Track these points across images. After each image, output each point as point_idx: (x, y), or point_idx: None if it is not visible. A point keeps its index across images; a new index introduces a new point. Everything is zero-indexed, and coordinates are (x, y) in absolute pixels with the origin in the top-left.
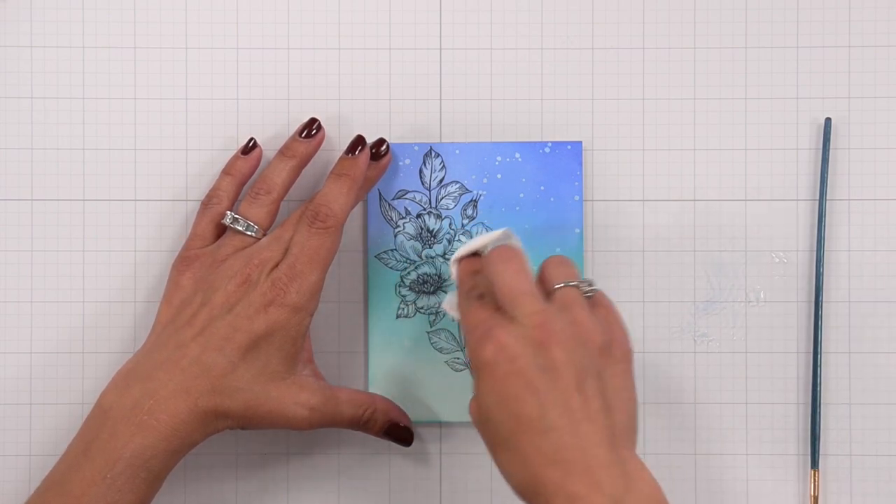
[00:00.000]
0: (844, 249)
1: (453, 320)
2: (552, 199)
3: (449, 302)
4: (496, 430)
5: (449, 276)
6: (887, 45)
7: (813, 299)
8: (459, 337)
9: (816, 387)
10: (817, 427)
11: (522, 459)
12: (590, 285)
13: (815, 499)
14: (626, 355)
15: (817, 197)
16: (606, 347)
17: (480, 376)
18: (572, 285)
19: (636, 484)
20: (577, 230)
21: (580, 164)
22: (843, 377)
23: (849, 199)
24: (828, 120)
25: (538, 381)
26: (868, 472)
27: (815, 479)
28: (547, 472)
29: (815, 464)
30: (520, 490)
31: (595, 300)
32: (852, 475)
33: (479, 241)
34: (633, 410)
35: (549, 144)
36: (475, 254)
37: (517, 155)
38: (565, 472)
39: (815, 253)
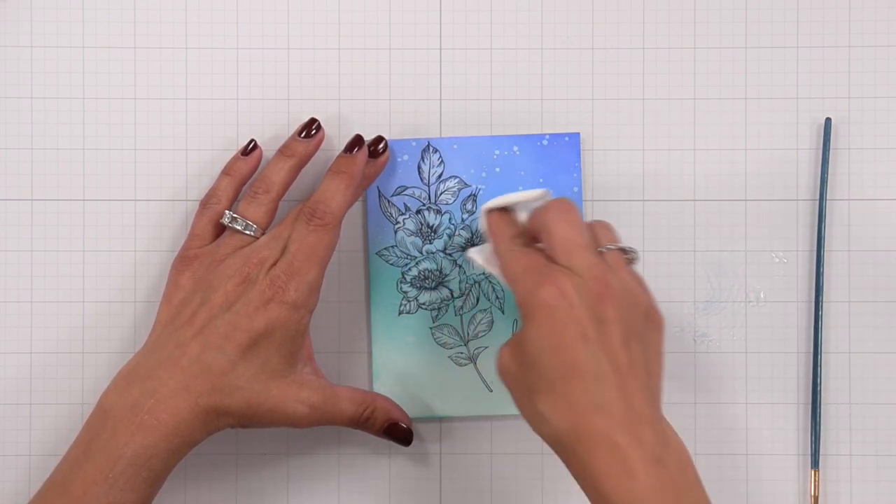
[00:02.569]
0: (844, 249)
1: (479, 270)
2: (551, 192)
3: (480, 252)
4: (541, 375)
5: (450, 272)
6: (887, 45)
7: (813, 299)
8: (463, 332)
9: (816, 387)
10: (817, 427)
11: (569, 405)
12: (633, 251)
13: (815, 499)
14: (662, 325)
15: (817, 197)
16: (649, 313)
17: (534, 319)
18: (618, 249)
19: (672, 443)
20: None
21: (578, 155)
22: (843, 377)
23: (849, 199)
24: (828, 120)
25: (593, 331)
26: (868, 472)
27: (815, 479)
28: (593, 420)
29: (815, 464)
30: (558, 435)
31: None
32: (852, 475)
33: (517, 196)
34: (663, 377)
35: (547, 137)
36: (504, 209)
37: (515, 148)
38: (611, 421)
39: (815, 253)
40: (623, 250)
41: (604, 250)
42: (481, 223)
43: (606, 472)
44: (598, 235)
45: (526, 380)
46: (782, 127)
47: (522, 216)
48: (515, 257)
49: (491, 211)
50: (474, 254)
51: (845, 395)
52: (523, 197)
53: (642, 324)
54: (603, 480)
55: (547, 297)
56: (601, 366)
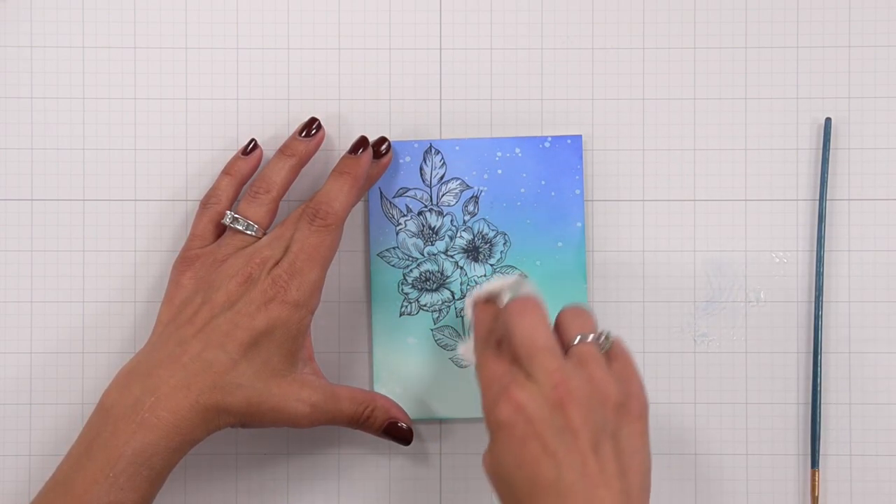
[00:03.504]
0: (844, 249)
1: (467, 365)
2: (553, 194)
3: (466, 347)
4: (511, 491)
5: (451, 274)
6: (887, 45)
7: (813, 299)
8: (464, 333)
9: (816, 387)
10: (817, 427)
11: None
12: (606, 338)
13: (816, 499)
14: (643, 412)
15: (817, 197)
16: (623, 405)
17: (496, 436)
18: (589, 340)
19: None
20: (579, 224)
21: (580, 157)
22: (843, 377)
23: (849, 199)
24: (828, 120)
25: (555, 443)
26: (868, 472)
27: (815, 479)
28: None
29: (815, 464)
30: None
31: (611, 353)
32: (852, 475)
33: (495, 285)
34: (648, 470)
35: (549, 139)
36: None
37: (517, 150)
38: None
39: (815, 253)
40: (597, 338)
41: (575, 344)
42: (467, 315)
43: None
44: (568, 327)
45: (501, 492)
46: (782, 127)
47: (506, 299)
48: (484, 364)
49: (476, 303)
50: (463, 351)
51: (845, 395)
52: (501, 285)
53: (613, 420)
54: None
55: (503, 415)
56: (566, 479)
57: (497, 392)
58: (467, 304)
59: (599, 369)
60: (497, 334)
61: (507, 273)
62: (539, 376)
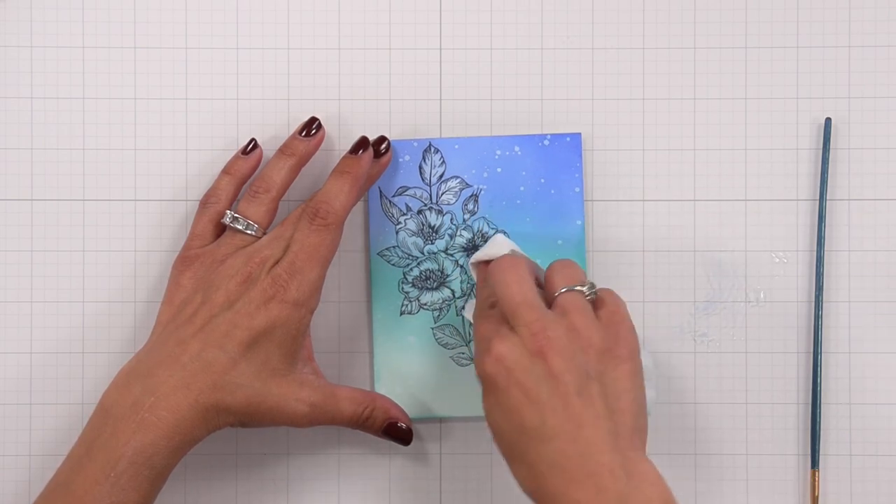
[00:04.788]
0: (844, 249)
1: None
2: (553, 192)
3: (469, 309)
4: (503, 441)
5: (451, 273)
6: (887, 45)
7: (813, 299)
8: (464, 332)
9: (816, 387)
10: (817, 427)
11: (528, 468)
12: (592, 287)
13: (815, 499)
14: (632, 354)
15: (817, 197)
16: (608, 350)
17: (484, 389)
18: (575, 290)
19: (641, 485)
20: (579, 222)
21: (580, 155)
22: (843, 377)
23: (849, 199)
24: (828, 120)
25: (536, 390)
26: (868, 472)
27: (815, 479)
28: (551, 480)
29: (815, 464)
30: (531, 497)
31: (600, 300)
32: (852, 475)
33: (493, 247)
34: (640, 410)
35: (549, 137)
36: (490, 260)
37: (516, 148)
38: (568, 479)
39: (815, 253)
40: (579, 290)
41: (559, 294)
42: (473, 276)
43: None
44: (553, 280)
45: (499, 445)
46: (782, 127)
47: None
48: (476, 324)
49: (478, 264)
50: (467, 312)
51: (845, 395)
52: (496, 248)
53: (597, 365)
54: None
55: (487, 368)
56: (549, 423)
57: (482, 348)
58: (470, 266)
59: (582, 317)
60: (493, 297)
61: (494, 225)
62: (519, 328)
